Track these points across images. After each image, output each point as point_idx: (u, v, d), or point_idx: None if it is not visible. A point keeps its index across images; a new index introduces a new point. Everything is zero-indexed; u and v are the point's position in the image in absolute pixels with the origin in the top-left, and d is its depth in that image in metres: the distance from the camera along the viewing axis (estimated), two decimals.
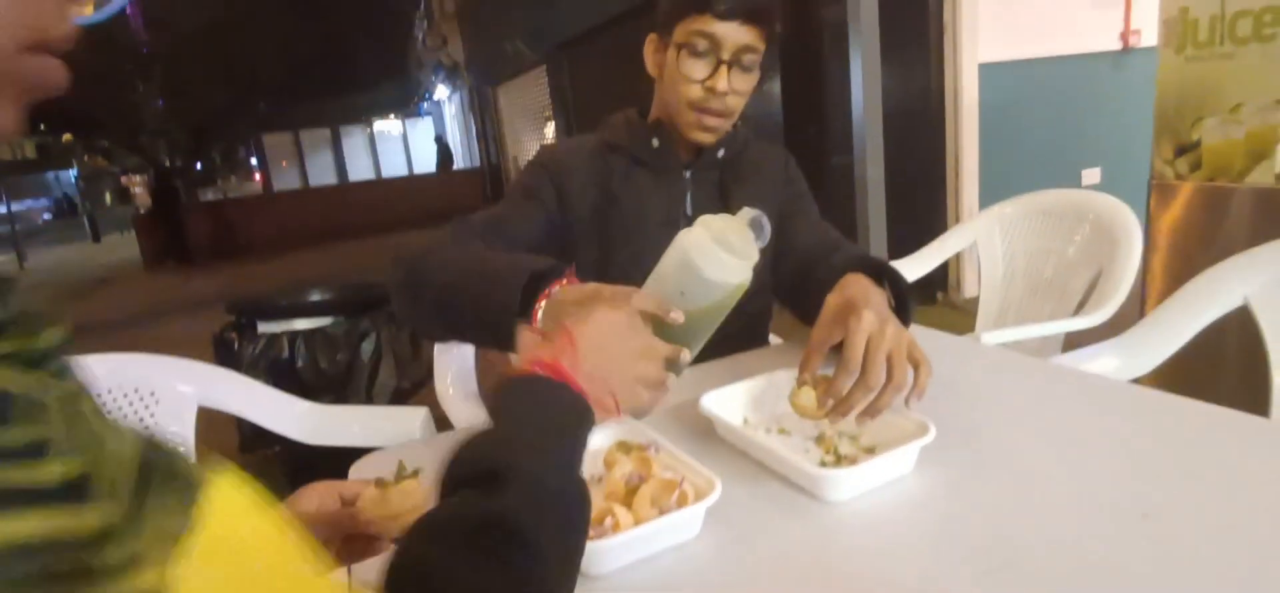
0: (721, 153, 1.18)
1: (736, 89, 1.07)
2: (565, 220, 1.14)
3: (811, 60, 4.23)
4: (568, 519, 0.49)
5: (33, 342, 0.23)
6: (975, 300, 1.91)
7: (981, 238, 1.87)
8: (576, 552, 0.50)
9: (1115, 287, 1.52)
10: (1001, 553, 0.61)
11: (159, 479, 0.24)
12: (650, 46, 1.15)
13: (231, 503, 0.26)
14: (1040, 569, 0.59)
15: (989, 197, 3.41)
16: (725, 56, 1.05)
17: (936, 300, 3.68)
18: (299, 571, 0.28)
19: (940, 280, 3.68)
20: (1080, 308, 1.60)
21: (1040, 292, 1.75)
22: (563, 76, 8.68)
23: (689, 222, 1.14)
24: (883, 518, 0.68)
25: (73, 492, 0.20)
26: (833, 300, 0.87)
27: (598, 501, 0.68)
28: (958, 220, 3.48)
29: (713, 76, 1.06)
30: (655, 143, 1.16)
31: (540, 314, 0.78)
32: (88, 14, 0.33)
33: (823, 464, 0.76)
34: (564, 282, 0.80)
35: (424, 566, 0.39)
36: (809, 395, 0.81)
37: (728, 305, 0.75)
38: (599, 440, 0.84)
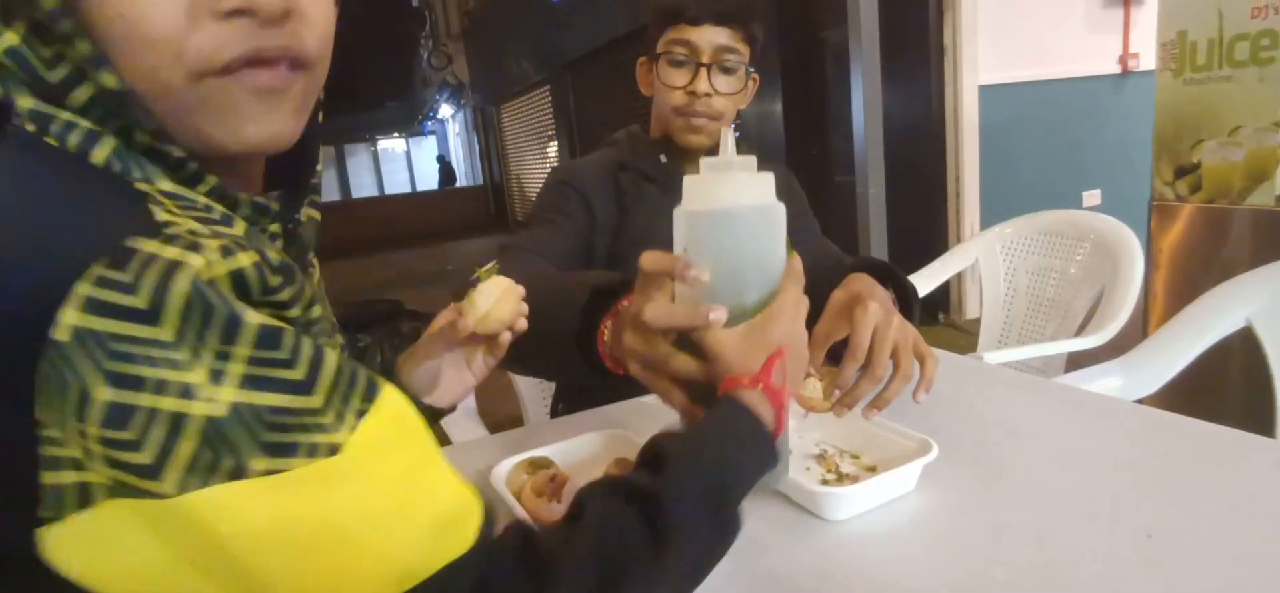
0: None
1: (719, 90, 1.11)
2: (592, 237, 1.16)
3: (814, 80, 4.27)
4: (705, 536, 0.49)
5: (301, 309, 0.41)
6: (977, 321, 1.91)
7: (983, 257, 1.87)
8: (701, 569, 0.49)
9: (1117, 307, 1.52)
10: (1005, 572, 0.61)
11: (351, 379, 0.38)
12: (641, 70, 1.20)
13: (394, 398, 0.40)
14: (1043, 589, 0.58)
15: (990, 217, 3.42)
16: (704, 60, 1.10)
17: (938, 320, 3.68)
18: (431, 444, 0.42)
19: (942, 301, 3.68)
20: (1083, 328, 1.60)
21: (1042, 311, 1.75)
22: (566, 96, 8.74)
23: None
24: (885, 537, 0.68)
25: (304, 386, 0.37)
26: (837, 296, 0.85)
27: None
28: (959, 240, 3.49)
29: (693, 80, 1.10)
30: (663, 159, 1.18)
31: (607, 335, 0.74)
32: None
33: (824, 483, 0.76)
34: (627, 301, 0.75)
35: (584, 494, 0.47)
36: (815, 387, 0.80)
37: (767, 232, 0.62)
38: (598, 458, 0.83)
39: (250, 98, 0.41)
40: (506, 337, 0.72)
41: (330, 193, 15.65)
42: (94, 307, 0.32)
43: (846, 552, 0.66)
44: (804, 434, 0.89)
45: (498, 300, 0.68)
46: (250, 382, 0.35)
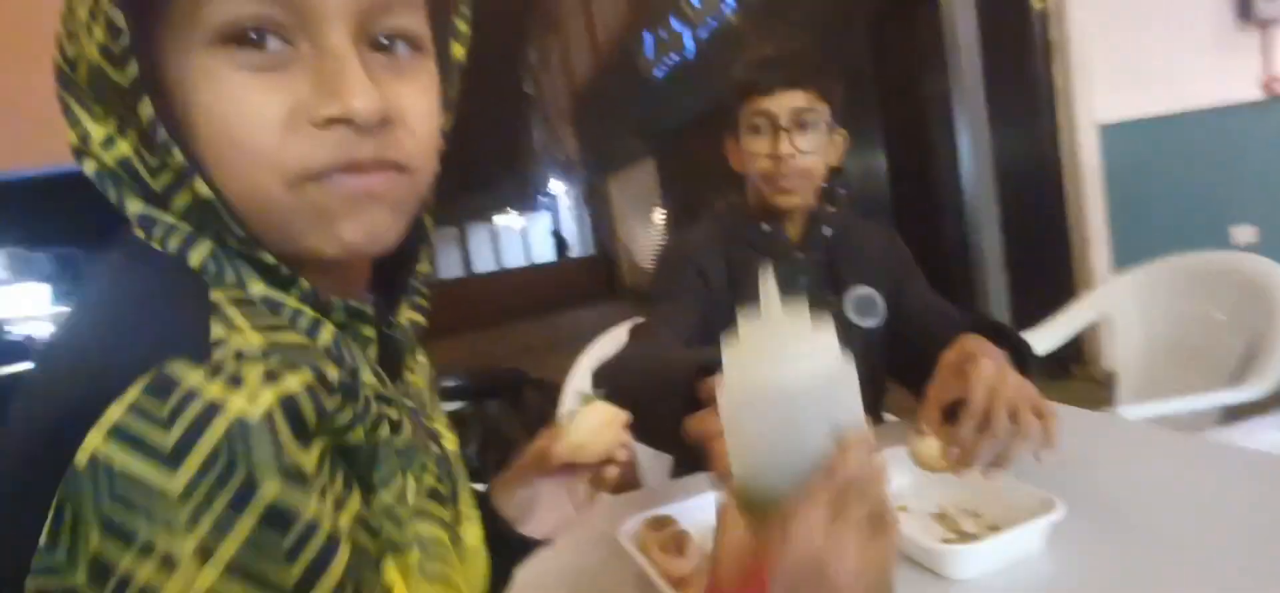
0: (828, 232, 1.22)
1: (802, 148, 1.13)
2: (711, 309, 1.19)
3: (917, 132, 4.19)
4: None
5: (365, 433, 0.40)
6: (1115, 374, 1.80)
7: (1113, 307, 1.77)
8: None
9: (1276, 354, 1.40)
10: None
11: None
12: (730, 149, 1.24)
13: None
14: None
15: (1123, 262, 3.21)
16: (783, 124, 1.13)
17: (1071, 374, 3.44)
18: None
19: (1074, 354, 3.45)
20: (1235, 378, 1.48)
21: (1187, 362, 1.63)
22: (670, 165, 8.97)
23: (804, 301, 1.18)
24: None
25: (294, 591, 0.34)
26: (948, 356, 0.84)
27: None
28: (1087, 288, 3.28)
29: (774, 145, 1.14)
30: (765, 228, 1.21)
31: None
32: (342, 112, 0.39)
33: (945, 542, 0.76)
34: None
35: None
36: (932, 446, 0.78)
37: (808, 412, 0.47)
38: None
39: (345, 203, 0.40)
40: (613, 471, 0.67)
41: (452, 269, 16.62)
42: (121, 436, 0.31)
43: None
44: (922, 495, 0.89)
45: (595, 430, 0.63)
46: (237, 570, 0.32)
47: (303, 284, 0.41)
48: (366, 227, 0.41)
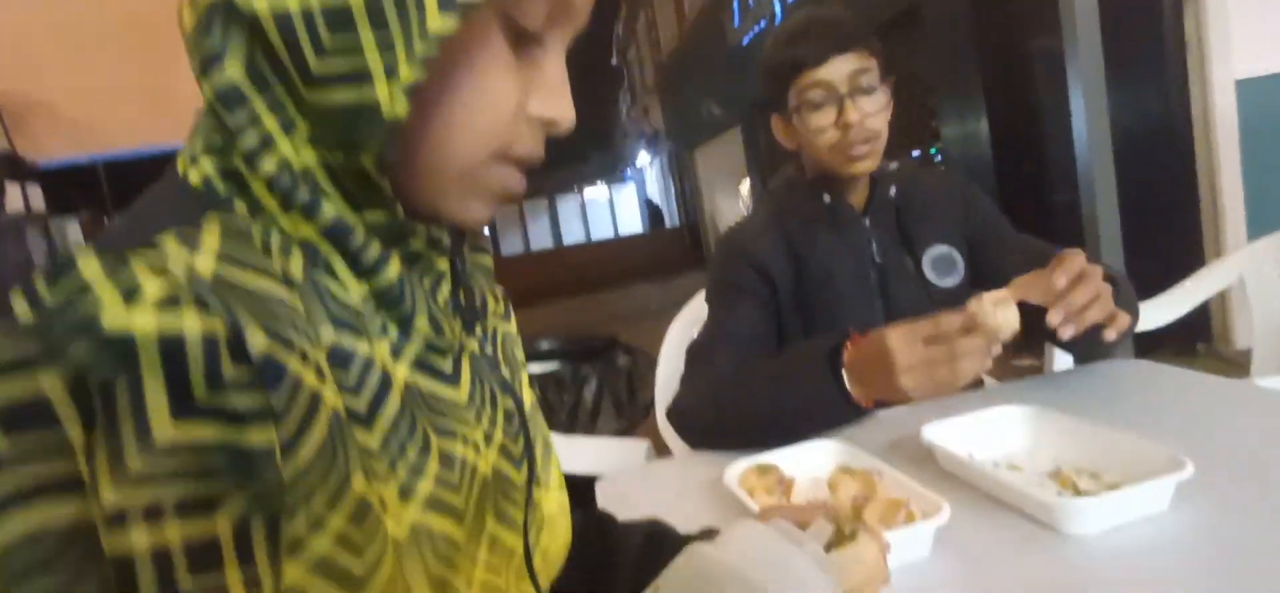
0: (893, 191, 1.18)
1: (867, 111, 1.09)
2: (774, 299, 1.18)
3: (1024, 93, 3.96)
4: None
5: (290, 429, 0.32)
6: (1248, 353, 1.67)
7: (1251, 273, 1.64)
8: None
9: None
10: None
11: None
12: (778, 127, 1.19)
13: None
14: None
15: (1259, 228, 2.95)
16: (842, 91, 1.08)
17: (1197, 352, 3.21)
18: None
19: (1201, 329, 3.21)
20: None
21: None
22: (756, 134, 8.83)
23: (879, 268, 1.17)
24: (1133, 555, 0.65)
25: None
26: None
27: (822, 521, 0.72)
28: (1218, 256, 3.04)
29: (841, 115, 1.09)
30: (826, 199, 1.17)
31: (848, 382, 0.92)
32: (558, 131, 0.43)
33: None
34: (847, 351, 0.92)
35: None
36: (1011, 309, 0.81)
37: None
38: (822, 464, 0.88)
39: (504, 191, 0.42)
40: None
41: (543, 241, 16.98)
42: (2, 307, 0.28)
43: (1090, 567, 0.64)
44: (1036, 454, 0.86)
45: (868, 579, 0.46)
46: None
47: (398, 209, 0.39)
48: (495, 212, 0.44)
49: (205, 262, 0.31)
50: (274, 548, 0.29)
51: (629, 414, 2.62)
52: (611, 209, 18.36)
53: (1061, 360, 1.32)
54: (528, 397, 0.55)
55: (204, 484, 0.27)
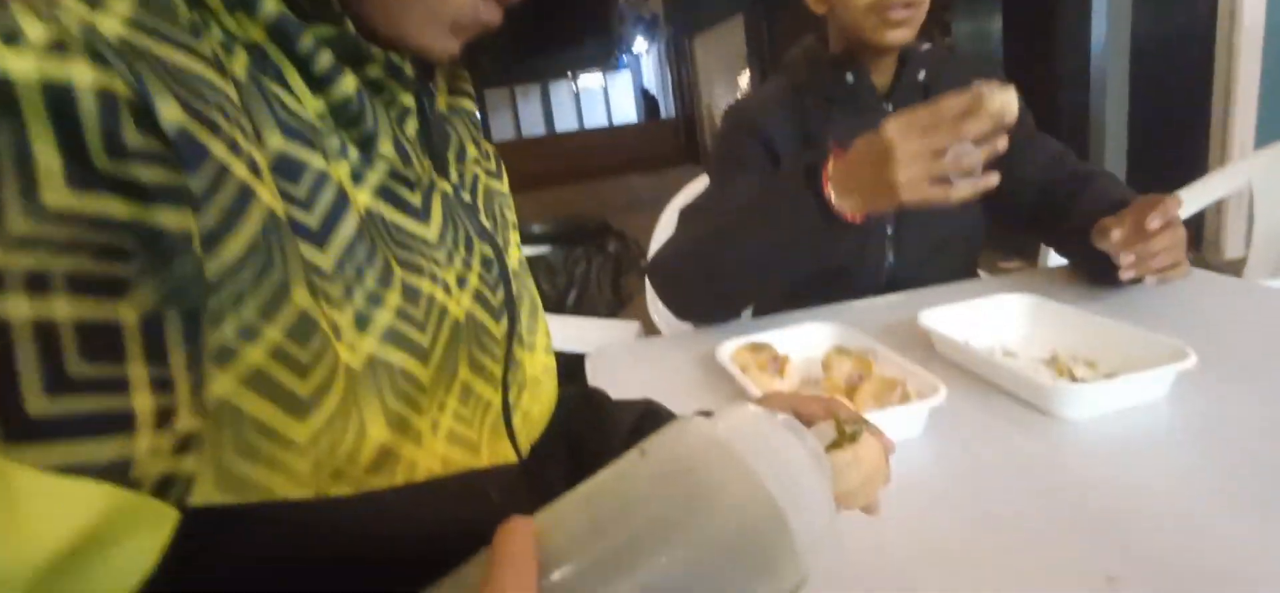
0: (922, 74, 1.09)
1: None
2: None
3: None
4: None
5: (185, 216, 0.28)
6: (1241, 262, 1.66)
7: (1260, 179, 1.61)
8: None
9: None
10: (1269, 486, 0.56)
11: None
12: None
13: None
14: None
15: (1269, 135, 2.89)
16: None
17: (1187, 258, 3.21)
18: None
19: (1193, 236, 3.20)
20: None
21: None
22: (758, 23, 8.51)
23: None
24: (1125, 442, 0.64)
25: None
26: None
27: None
28: (1222, 165, 3.00)
29: None
30: (850, 78, 1.07)
31: (831, 190, 0.83)
32: None
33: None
34: (832, 158, 0.84)
35: None
36: (1011, 93, 0.78)
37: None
38: (817, 344, 0.86)
39: (469, 18, 0.40)
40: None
41: (535, 128, 16.64)
42: None
43: (1082, 450, 0.64)
44: (1032, 339, 0.85)
45: (868, 478, 0.40)
46: None
47: (347, 24, 0.36)
48: (460, 41, 0.41)
49: (110, 23, 0.27)
50: (193, 351, 0.27)
51: (620, 298, 2.62)
52: (606, 97, 17.93)
53: (1054, 258, 1.30)
54: (515, 255, 0.53)
55: (105, 263, 0.24)
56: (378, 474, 0.35)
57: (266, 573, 0.30)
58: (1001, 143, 0.78)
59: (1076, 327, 0.82)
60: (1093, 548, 0.51)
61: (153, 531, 0.26)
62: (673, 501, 0.29)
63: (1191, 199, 1.63)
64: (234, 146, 0.29)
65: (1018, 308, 0.89)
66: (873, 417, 0.65)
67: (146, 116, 0.26)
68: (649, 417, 0.59)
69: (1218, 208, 3.05)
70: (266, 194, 0.30)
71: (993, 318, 0.89)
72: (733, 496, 0.29)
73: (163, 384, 0.26)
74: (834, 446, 0.39)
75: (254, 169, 0.30)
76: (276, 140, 0.33)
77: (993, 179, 0.79)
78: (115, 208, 0.25)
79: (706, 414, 0.48)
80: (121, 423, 0.24)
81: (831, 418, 0.42)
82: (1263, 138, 2.95)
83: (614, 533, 0.28)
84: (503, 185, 0.55)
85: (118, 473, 0.24)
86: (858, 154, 0.82)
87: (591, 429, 0.59)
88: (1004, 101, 0.76)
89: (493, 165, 0.55)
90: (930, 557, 0.52)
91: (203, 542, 0.28)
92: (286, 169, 0.33)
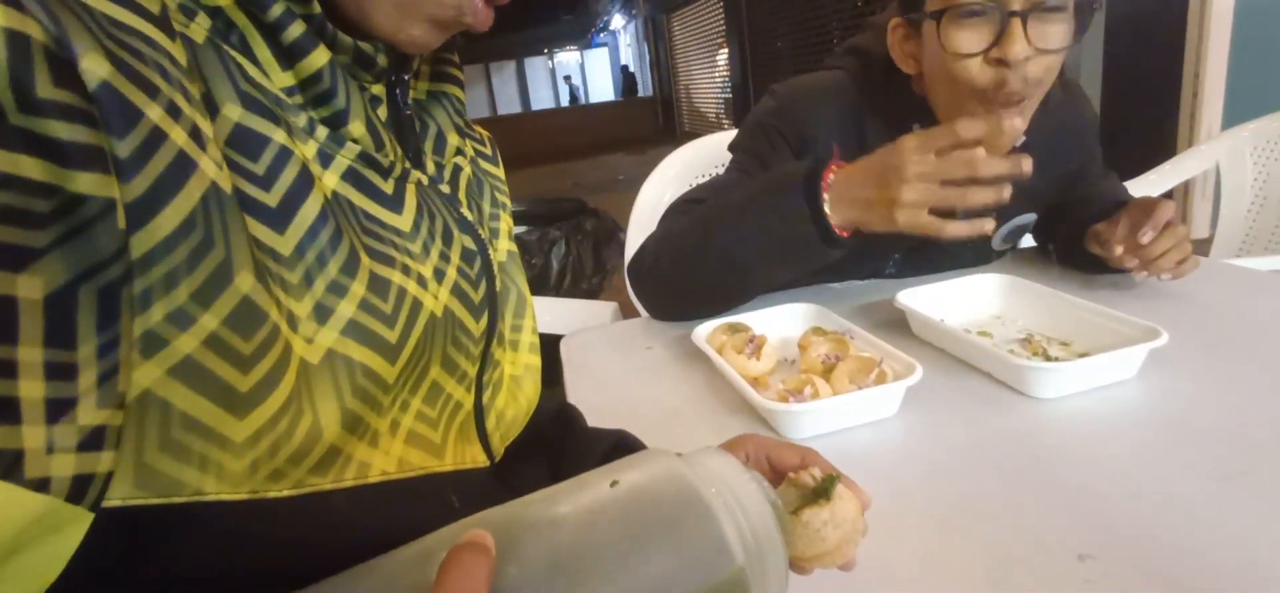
0: (1020, 138, 0.85)
1: (1041, 47, 0.75)
2: None
3: None
4: None
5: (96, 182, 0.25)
6: (1207, 241, 1.69)
7: (1226, 160, 1.64)
8: None
9: None
10: (1238, 460, 0.57)
11: None
12: (897, 38, 0.87)
13: None
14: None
15: (1235, 119, 2.95)
16: (1015, 5, 0.74)
17: None
18: None
19: None
20: None
21: None
22: (738, 2, 8.46)
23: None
24: (1097, 420, 0.65)
25: None
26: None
27: (795, 377, 0.70)
28: (1191, 146, 3.05)
29: (1002, 43, 0.75)
30: (917, 126, 0.86)
31: (827, 204, 0.75)
32: None
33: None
34: (834, 166, 0.77)
35: None
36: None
37: None
38: (793, 325, 0.86)
39: (449, 13, 0.39)
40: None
41: (511, 107, 16.46)
42: None
43: (1053, 429, 0.64)
44: (1008, 320, 0.86)
45: (847, 538, 0.38)
46: None
47: (314, 5, 0.34)
48: (437, 37, 0.39)
49: None
50: (109, 337, 0.24)
51: (596, 276, 2.60)
52: (582, 74, 17.77)
53: (1028, 239, 1.31)
54: (504, 247, 0.50)
55: (6, 229, 0.21)
56: (322, 474, 0.32)
57: (194, 578, 0.28)
58: (1006, 192, 0.70)
59: (1051, 307, 0.83)
60: (1064, 525, 0.51)
61: (58, 535, 0.23)
62: (638, 545, 0.28)
63: (1161, 180, 1.65)
64: (173, 109, 0.26)
65: (993, 288, 0.90)
66: (849, 396, 0.65)
67: (64, 67, 0.23)
68: (621, 449, 0.55)
69: (1185, 188, 3.11)
70: (209, 165, 0.28)
71: (969, 298, 0.89)
72: (700, 551, 0.29)
73: (61, 371, 0.23)
74: (811, 503, 0.37)
75: (196, 137, 0.27)
76: (234, 111, 0.31)
77: (988, 226, 0.72)
78: (24, 166, 0.21)
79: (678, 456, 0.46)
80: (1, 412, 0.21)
81: (807, 471, 0.40)
82: (1229, 121, 3.00)
83: (573, 571, 0.27)
84: (498, 170, 0.53)
85: (2, 469, 0.21)
86: (862, 166, 0.75)
87: (559, 453, 0.55)
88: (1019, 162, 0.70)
89: (487, 149, 0.53)
90: (904, 534, 0.52)
91: (121, 545, 0.25)
92: (244, 143, 0.30)
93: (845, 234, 0.76)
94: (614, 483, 0.31)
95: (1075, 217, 0.98)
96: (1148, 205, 0.85)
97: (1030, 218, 1.03)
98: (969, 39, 0.77)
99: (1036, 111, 0.83)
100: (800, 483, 0.39)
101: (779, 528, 0.31)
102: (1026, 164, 0.70)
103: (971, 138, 0.70)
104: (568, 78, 16.98)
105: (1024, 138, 0.85)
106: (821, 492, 0.38)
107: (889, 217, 0.71)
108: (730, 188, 0.92)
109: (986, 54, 0.76)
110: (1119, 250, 0.85)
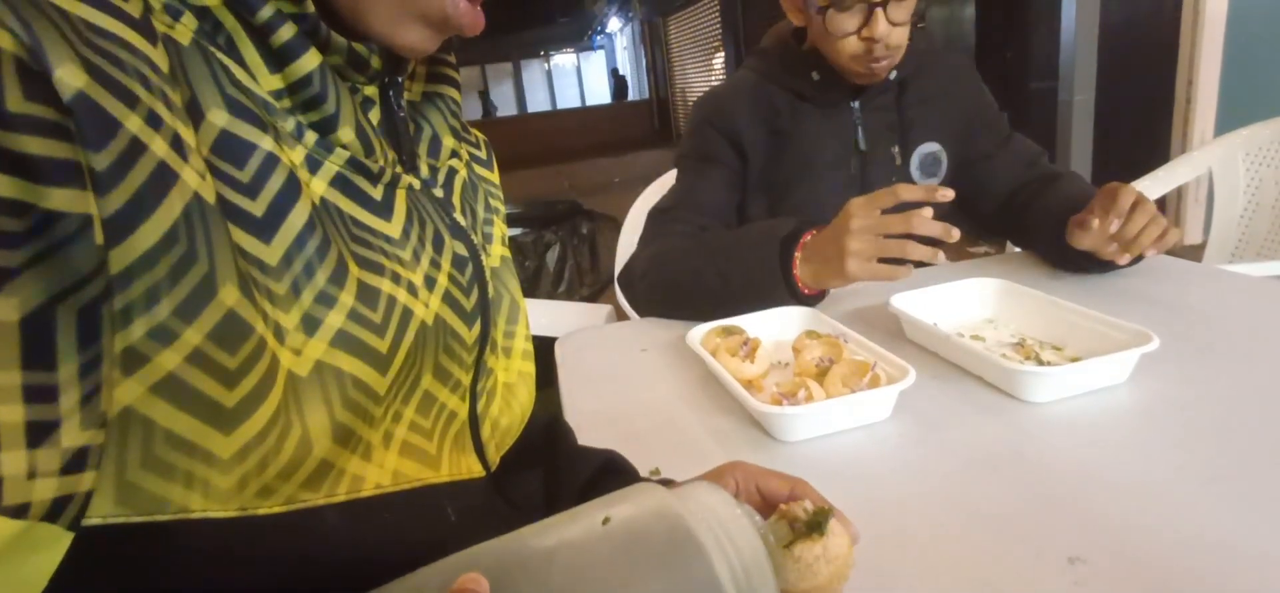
0: (893, 73, 1.07)
1: (896, 20, 0.96)
2: (744, 170, 1.10)
3: None
4: None
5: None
6: (1200, 247, 1.69)
7: (1219, 166, 1.64)
8: None
9: None
10: (1228, 463, 0.57)
11: None
12: (790, 4, 1.06)
13: None
14: (1270, 493, 0.54)
15: (1228, 126, 2.96)
16: None
17: None
18: None
19: None
20: None
21: None
22: (733, 6, 8.48)
23: (862, 157, 1.10)
24: (1088, 424, 0.65)
25: None
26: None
27: (789, 381, 0.70)
28: (1185, 152, 3.06)
29: (868, 23, 0.95)
30: (815, 76, 1.07)
31: (799, 263, 0.89)
32: None
33: None
34: (808, 235, 0.90)
35: None
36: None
37: None
38: (787, 328, 0.86)
39: (440, 15, 0.38)
40: None
41: (507, 108, 16.45)
42: None
43: (1046, 433, 0.64)
44: (1001, 324, 0.86)
45: (837, 574, 0.38)
46: None
47: (308, 3, 0.33)
48: (432, 41, 0.39)
49: None
50: (90, 356, 0.23)
51: (591, 280, 2.60)
52: (579, 77, 17.77)
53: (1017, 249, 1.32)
54: (497, 252, 0.50)
55: None
56: (314, 489, 0.31)
57: None
58: (955, 234, 0.80)
59: (1044, 311, 0.83)
60: (1056, 528, 0.51)
61: (36, 553, 0.22)
62: (630, 585, 0.29)
63: (1155, 185, 1.66)
64: (153, 119, 0.26)
65: (986, 292, 0.90)
66: (842, 399, 0.65)
67: (38, 79, 0.22)
68: (608, 472, 0.55)
69: (1178, 194, 3.12)
70: (191, 176, 0.27)
71: (962, 302, 0.89)
72: (691, 589, 0.29)
73: (41, 393, 0.22)
74: (802, 538, 0.37)
75: (178, 147, 0.27)
76: (220, 117, 0.30)
77: (940, 259, 0.83)
78: None
79: (667, 482, 0.46)
80: None
81: (799, 503, 0.39)
82: (1223, 126, 3.02)
83: None
84: (492, 174, 0.52)
85: None
86: (826, 229, 0.88)
87: (547, 472, 0.54)
88: (946, 229, 0.80)
89: (482, 153, 0.52)
90: (896, 537, 0.52)
91: (106, 564, 0.25)
92: (229, 150, 0.30)
93: (810, 293, 0.90)
94: (606, 520, 0.31)
95: (1044, 209, 1.03)
96: (1111, 191, 0.89)
97: (935, 146, 1.13)
98: (845, 22, 0.97)
99: (918, 64, 1.09)
100: (792, 515, 0.39)
101: (770, 564, 0.32)
102: (954, 233, 0.80)
103: (910, 199, 0.81)
104: (615, 70, 16.83)
105: (897, 74, 1.07)
106: (815, 526, 0.38)
107: (841, 268, 0.83)
108: (704, 189, 1.09)
109: (858, 33, 0.97)
110: (1089, 242, 0.90)
